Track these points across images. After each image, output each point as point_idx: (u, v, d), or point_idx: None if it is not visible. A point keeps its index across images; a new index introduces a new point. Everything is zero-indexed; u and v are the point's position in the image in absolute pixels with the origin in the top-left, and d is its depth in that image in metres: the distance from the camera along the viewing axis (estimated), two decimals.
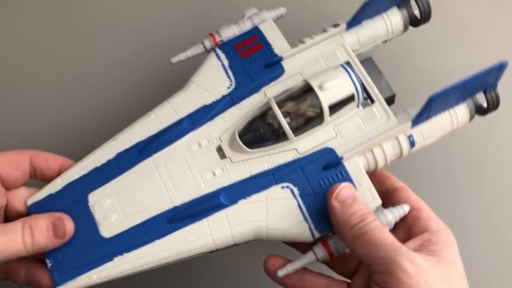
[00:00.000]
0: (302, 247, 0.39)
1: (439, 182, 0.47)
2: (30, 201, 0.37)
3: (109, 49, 0.50)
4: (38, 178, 0.39)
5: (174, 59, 0.41)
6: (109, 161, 0.38)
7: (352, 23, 0.39)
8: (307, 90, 0.36)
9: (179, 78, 0.42)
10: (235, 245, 0.36)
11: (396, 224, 0.35)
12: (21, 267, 0.38)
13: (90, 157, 0.38)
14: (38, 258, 0.38)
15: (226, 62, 0.40)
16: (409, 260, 0.31)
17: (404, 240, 0.34)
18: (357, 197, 0.34)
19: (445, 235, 0.34)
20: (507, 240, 0.46)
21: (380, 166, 0.37)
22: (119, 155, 0.38)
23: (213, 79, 0.40)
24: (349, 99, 0.36)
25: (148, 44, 0.50)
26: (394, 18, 0.41)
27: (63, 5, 0.50)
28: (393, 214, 0.35)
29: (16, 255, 0.34)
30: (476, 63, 0.41)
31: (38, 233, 0.34)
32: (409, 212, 0.36)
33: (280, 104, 0.36)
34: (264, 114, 0.37)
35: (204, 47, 0.41)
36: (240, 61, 0.40)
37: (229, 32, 0.41)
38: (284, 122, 0.36)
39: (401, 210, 0.35)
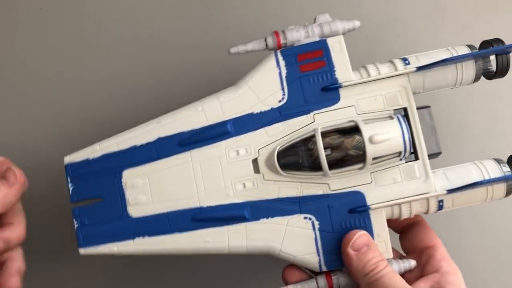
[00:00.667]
0: None
1: None
2: (67, 160, 0.39)
3: (111, 50, 0.49)
4: None
5: (233, 50, 0.40)
6: (148, 144, 0.39)
7: (423, 67, 0.38)
8: (356, 130, 0.36)
9: (183, 80, 0.46)
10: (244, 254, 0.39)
11: None
12: None
13: (130, 133, 0.39)
14: None
15: (284, 72, 0.39)
16: None
17: (417, 277, 0.37)
18: (372, 245, 0.36)
19: (455, 277, 0.36)
20: None
21: (403, 218, 0.38)
22: (159, 140, 0.39)
23: (266, 87, 0.39)
24: (395, 154, 0.36)
25: (149, 44, 0.49)
26: (467, 70, 0.38)
27: (64, 5, 0.49)
28: (399, 267, 0.37)
29: None
30: None
31: None
32: (424, 250, 0.38)
33: (325, 135, 0.36)
34: (307, 142, 0.37)
35: (266, 45, 0.40)
36: (298, 75, 0.39)
37: (295, 36, 0.39)
38: (323, 156, 0.36)
39: (407, 265, 0.37)
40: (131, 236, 0.38)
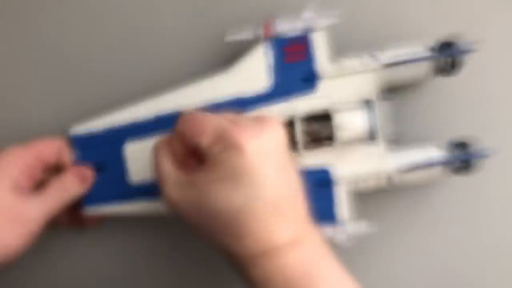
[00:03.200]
0: None
1: None
2: (72, 132, 0.44)
3: (109, 49, 0.50)
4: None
5: (229, 38, 0.45)
6: (148, 119, 0.44)
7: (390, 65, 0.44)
8: (329, 117, 0.42)
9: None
10: None
11: None
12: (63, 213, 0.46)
13: (131, 109, 0.44)
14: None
15: (271, 61, 0.44)
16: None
17: None
18: None
19: None
20: None
21: (359, 191, 0.46)
22: (158, 116, 0.44)
23: (254, 73, 0.44)
24: (360, 138, 0.43)
25: (148, 44, 0.50)
26: (427, 67, 0.45)
27: (63, 5, 0.50)
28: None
29: (64, 205, 0.42)
30: (473, 64, 0.47)
31: (69, 184, 0.43)
32: None
33: (302, 122, 0.42)
34: (287, 126, 0.43)
35: (257, 34, 0.44)
36: (283, 66, 0.44)
37: (283, 28, 0.44)
38: (300, 139, 0.42)
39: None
40: (133, 199, 0.44)
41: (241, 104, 0.44)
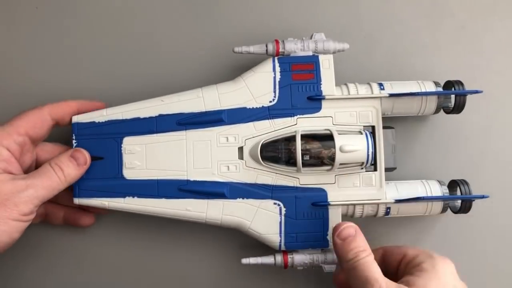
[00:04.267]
0: None
1: None
2: (75, 119, 0.44)
3: (106, 49, 0.50)
4: (61, 126, 0.45)
5: (237, 49, 0.45)
6: (150, 117, 0.44)
7: (394, 95, 0.44)
8: (330, 137, 0.42)
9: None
10: (219, 226, 0.45)
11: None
12: (59, 211, 0.46)
13: (136, 106, 0.44)
14: (72, 205, 0.45)
15: (278, 77, 0.45)
16: None
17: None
18: (357, 236, 0.41)
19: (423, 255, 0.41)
20: None
21: (355, 216, 0.45)
22: (161, 116, 0.44)
23: (261, 87, 0.45)
24: (358, 164, 0.43)
25: (146, 45, 0.50)
26: (430, 103, 0.45)
27: (60, 5, 0.50)
28: None
29: (58, 190, 0.41)
30: (473, 64, 0.48)
31: (65, 166, 0.42)
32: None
33: (303, 139, 0.43)
34: (288, 141, 0.43)
35: (267, 50, 0.45)
36: (289, 82, 0.45)
37: (292, 47, 0.45)
38: (299, 155, 0.42)
39: None
40: (122, 195, 0.44)
41: (245, 115, 0.44)
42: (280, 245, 0.44)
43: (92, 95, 0.47)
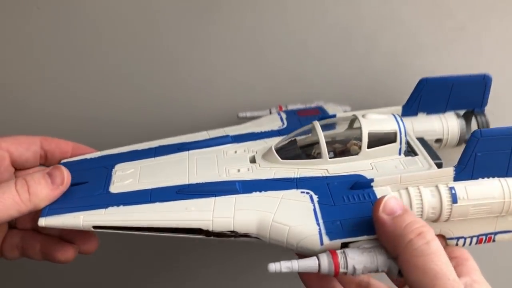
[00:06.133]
0: None
1: None
2: (65, 160, 0.39)
3: (107, 50, 0.48)
4: (49, 163, 0.39)
5: (241, 114, 0.46)
6: (149, 148, 0.40)
7: (408, 108, 0.42)
8: (352, 124, 0.38)
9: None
10: (232, 235, 0.32)
11: None
12: (35, 242, 0.38)
13: (135, 146, 0.41)
14: (52, 233, 0.38)
15: (283, 116, 0.43)
16: None
17: None
18: (407, 208, 0.31)
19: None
20: None
21: (415, 208, 0.33)
22: (160, 147, 0.40)
23: (268, 122, 0.43)
24: (391, 137, 0.36)
25: (145, 45, 0.49)
26: (450, 120, 0.42)
27: (61, 5, 0.48)
28: None
29: (18, 211, 0.32)
30: (473, 64, 0.46)
31: (35, 183, 0.33)
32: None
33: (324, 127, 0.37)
34: (306, 135, 0.38)
35: (270, 111, 0.46)
36: (296, 117, 0.43)
37: (295, 106, 0.46)
38: (323, 140, 0.36)
39: None
40: (104, 206, 0.33)
41: (254, 137, 0.40)
42: (321, 237, 0.31)
43: (92, 95, 0.44)
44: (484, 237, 0.36)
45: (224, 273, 0.54)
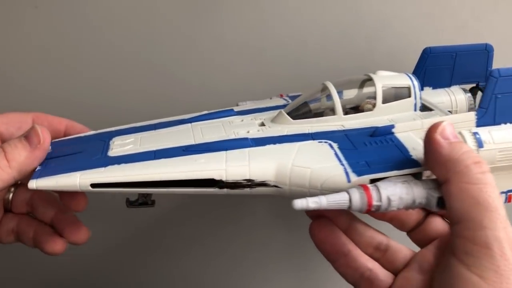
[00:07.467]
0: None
1: None
2: (56, 139, 0.36)
3: (105, 49, 0.48)
4: None
5: (241, 104, 0.44)
6: (148, 125, 0.37)
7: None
8: (363, 85, 0.36)
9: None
10: (248, 185, 0.29)
11: None
12: (29, 228, 0.36)
13: (132, 124, 0.38)
14: (45, 220, 0.36)
15: (288, 99, 0.42)
16: (511, 245, 0.24)
17: None
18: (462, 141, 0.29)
19: None
20: None
21: None
22: (160, 123, 0.37)
23: (272, 102, 0.41)
24: (405, 93, 0.35)
25: (143, 44, 0.48)
26: (458, 94, 0.41)
27: (59, 4, 0.47)
28: None
29: (1, 181, 0.30)
30: None
31: (12, 148, 0.30)
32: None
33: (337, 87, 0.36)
34: (315, 96, 0.36)
35: (270, 98, 0.44)
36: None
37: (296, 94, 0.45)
38: (336, 96, 0.34)
39: None
40: (103, 165, 0.30)
41: (259, 110, 0.38)
42: (347, 174, 0.28)
43: (91, 96, 0.42)
44: None
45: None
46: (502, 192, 0.33)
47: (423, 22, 0.49)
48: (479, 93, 0.43)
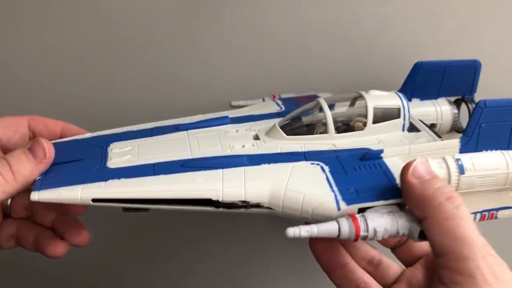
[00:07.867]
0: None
1: None
2: (53, 141, 0.36)
3: (105, 48, 0.48)
4: None
5: (234, 103, 0.45)
6: (145, 129, 0.38)
7: (403, 93, 0.42)
8: (354, 102, 0.37)
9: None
10: (243, 205, 0.31)
11: None
12: (30, 232, 0.36)
13: (129, 127, 0.39)
14: (46, 224, 0.36)
15: (280, 102, 0.43)
16: (491, 271, 0.27)
17: None
18: (436, 174, 0.30)
19: None
20: None
21: None
22: (156, 128, 0.38)
23: (265, 106, 0.42)
24: (395, 113, 0.36)
25: (143, 44, 0.48)
26: (443, 106, 0.43)
27: (59, 4, 0.47)
28: None
29: (4, 193, 0.30)
30: None
31: (16, 161, 0.31)
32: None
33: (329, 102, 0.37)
34: (307, 112, 0.37)
35: (263, 99, 0.45)
36: (293, 102, 0.43)
37: (288, 95, 0.46)
38: (329, 114, 0.36)
39: None
40: (103, 179, 0.31)
41: (253, 119, 0.39)
42: (337, 202, 0.30)
43: (90, 95, 0.42)
44: (487, 214, 0.36)
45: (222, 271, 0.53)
46: (477, 212, 0.36)
47: (422, 22, 0.48)
48: (463, 105, 0.44)
